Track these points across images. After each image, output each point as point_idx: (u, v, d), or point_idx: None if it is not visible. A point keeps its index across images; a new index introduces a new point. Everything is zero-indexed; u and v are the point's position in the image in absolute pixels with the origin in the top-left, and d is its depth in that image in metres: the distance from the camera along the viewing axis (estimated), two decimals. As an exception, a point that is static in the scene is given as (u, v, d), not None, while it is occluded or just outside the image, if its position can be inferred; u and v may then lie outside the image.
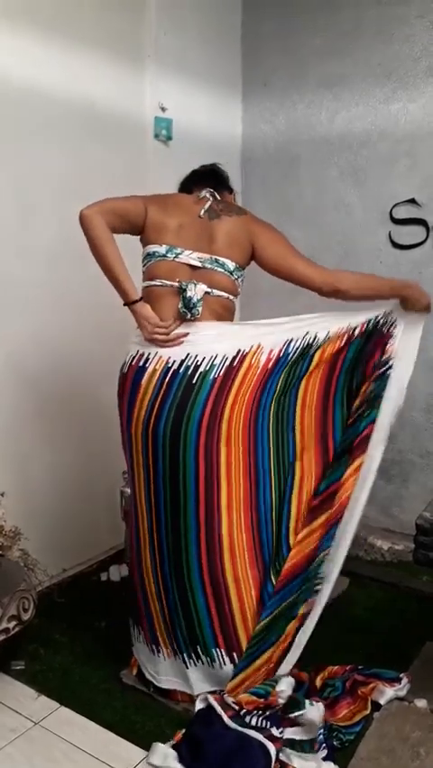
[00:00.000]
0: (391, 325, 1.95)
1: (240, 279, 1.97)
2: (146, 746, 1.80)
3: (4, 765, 1.75)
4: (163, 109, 2.83)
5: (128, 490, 2.35)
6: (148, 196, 1.97)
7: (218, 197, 2.01)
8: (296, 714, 1.84)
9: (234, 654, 1.94)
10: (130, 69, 2.70)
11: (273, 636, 1.92)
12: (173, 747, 1.76)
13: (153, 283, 1.92)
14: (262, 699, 1.87)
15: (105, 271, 1.88)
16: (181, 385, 1.86)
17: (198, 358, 1.87)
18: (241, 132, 3.31)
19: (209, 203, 1.95)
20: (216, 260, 1.91)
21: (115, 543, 2.84)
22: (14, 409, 2.45)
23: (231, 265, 1.92)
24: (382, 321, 1.96)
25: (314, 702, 1.88)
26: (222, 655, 1.94)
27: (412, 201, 2.88)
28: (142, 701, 1.99)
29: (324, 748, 1.76)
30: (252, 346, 1.92)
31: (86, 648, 2.24)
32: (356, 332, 1.97)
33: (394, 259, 2.95)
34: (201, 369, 1.87)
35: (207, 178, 2.08)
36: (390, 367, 1.92)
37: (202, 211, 1.93)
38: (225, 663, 1.94)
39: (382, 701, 1.95)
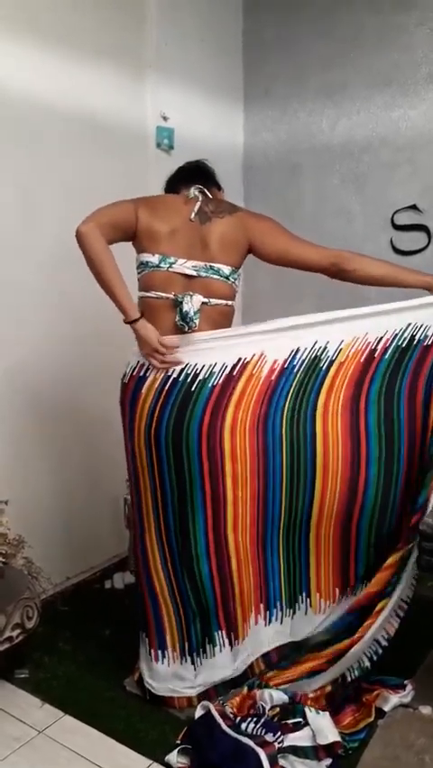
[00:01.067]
0: None
1: (237, 282, 1.94)
2: (150, 754, 1.80)
3: (8, 774, 1.75)
4: (165, 118, 2.84)
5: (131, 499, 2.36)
6: (137, 199, 1.91)
7: (209, 195, 1.95)
8: (294, 721, 1.84)
9: (232, 636, 1.99)
10: (131, 79, 2.72)
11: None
12: (178, 744, 1.81)
13: (149, 295, 1.89)
14: (249, 698, 1.92)
15: (103, 288, 1.84)
16: (180, 392, 1.86)
17: (197, 366, 1.87)
18: (242, 140, 3.33)
19: (199, 204, 1.89)
20: (211, 267, 1.88)
21: (118, 550, 2.84)
22: (17, 418, 2.46)
23: (226, 270, 1.89)
24: (417, 336, 1.90)
25: (320, 711, 1.88)
26: (222, 638, 1.98)
27: (414, 207, 2.89)
28: (146, 709, 1.99)
29: (328, 755, 1.76)
30: (253, 355, 1.89)
31: (90, 656, 2.24)
32: (380, 346, 1.91)
33: (396, 265, 2.95)
34: (200, 377, 1.86)
35: (195, 175, 2.02)
36: None
37: (192, 214, 1.88)
38: (223, 646, 1.99)
39: (386, 708, 1.95)
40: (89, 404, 2.66)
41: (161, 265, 1.87)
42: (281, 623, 2.08)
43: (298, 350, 1.91)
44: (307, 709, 1.87)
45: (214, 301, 1.89)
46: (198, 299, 1.85)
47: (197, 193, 1.93)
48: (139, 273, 1.93)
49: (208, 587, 1.95)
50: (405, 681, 2.02)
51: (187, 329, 1.85)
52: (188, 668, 2.00)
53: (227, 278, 1.90)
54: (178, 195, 1.97)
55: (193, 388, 1.86)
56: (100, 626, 2.42)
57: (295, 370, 1.91)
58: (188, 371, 1.86)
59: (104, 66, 2.58)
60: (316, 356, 1.92)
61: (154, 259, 1.87)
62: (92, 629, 2.40)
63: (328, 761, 1.75)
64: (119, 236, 1.88)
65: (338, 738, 1.79)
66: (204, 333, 1.88)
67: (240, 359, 1.89)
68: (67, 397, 2.61)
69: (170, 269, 1.87)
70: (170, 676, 1.99)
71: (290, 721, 1.85)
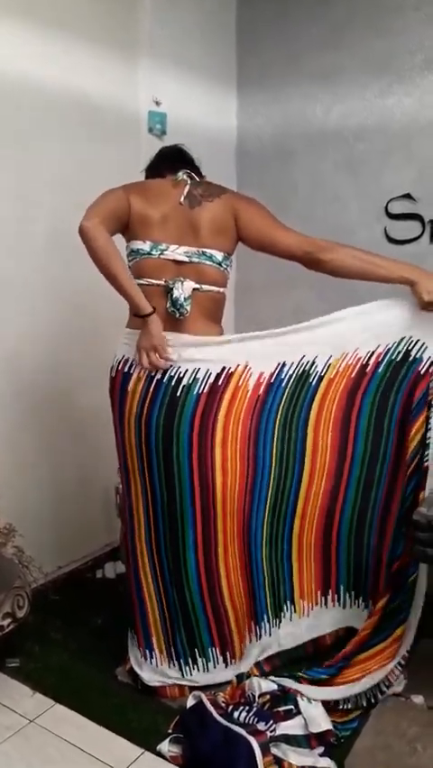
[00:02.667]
0: (429, 364, 1.83)
1: (229, 268, 1.91)
2: (142, 743, 1.79)
3: (-1, 763, 1.74)
4: (157, 103, 2.80)
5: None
6: (126, 186, 1.87)
7: (196, 178, 1.91)
8: (286, 708, 1.85)
9: (228, 654, 1.97)
10: (124, 63, 2.67)
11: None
12: (170, 733, 1.81)
13: (140, 282, 1.86)
14: (240, 688, 1.93)
15: (111, 282, 1.79)
16: (166, 395, 1.84)
17: (180, 369, 1.84)
18: (236, 125, 3.29)
19: (188, 187, 1.85)
20: (204, 253, 1.84)
21: (110, 539, 2.83)
22: (8, 408, 2.44)
23: (219, 256, 1.86)
24: (413, 353, 1.84)
25: (312, 700, 1.88)
26: (217, 654, 1.97)
27: (408, 196, 2.87)
28: (137, 699, 1.98)
29: (321, 744, 1.76)
30: (238, 365, 1.86)
31: (81, 645, 2.23)
32: (372, 361, 1.88)
33: (390, 254, 2.90)
34: (184, 382, 1.83)
35: (179, 159, 1.98)
36: None
37: (182, 197, 1.84)
38: (218, 663, 1.98)
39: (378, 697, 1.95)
40: (80, 394, 2.64)
41: (153, 252, 1.84)
42: (270, 635, 2.08)
43: (284, 363, 1.89)
44: (299, 698, 1.87)
45: (206, 287, 1.86)
46: (190, 285, 1.82)
47: (185, 176, 1.89)
48: (130, 261, 1.89)
49: (198, 602, 1.94)
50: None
51: (178, 315, 1.83)
52: (176, 672, 1.99)
53: (220, 264, 1.87)
54: (165, 179, 1.92)
55: (179, 394, 1.84)
56: (92, 616, 2.41)
57: (283, 385, 1.89)
58: (172, 374, 1.84)
59: (95, 50, 2.54)
60: (304, 371, 1.90)
61: (146, 246, 1.84)
62: (83, 618, 2.39)
63: (321, 749, 1.76)
64: (118, 227, 1.84)
65: (331, 727, 1.80)
66: (192, 337, 1.85)
67: (224, 368, 1.86)
68: (57, 388, 2.59)
69: (161, 256, 1.84)
70: (159, 671, 1.99)
71: (281, 709, 1.86)
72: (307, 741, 1.77)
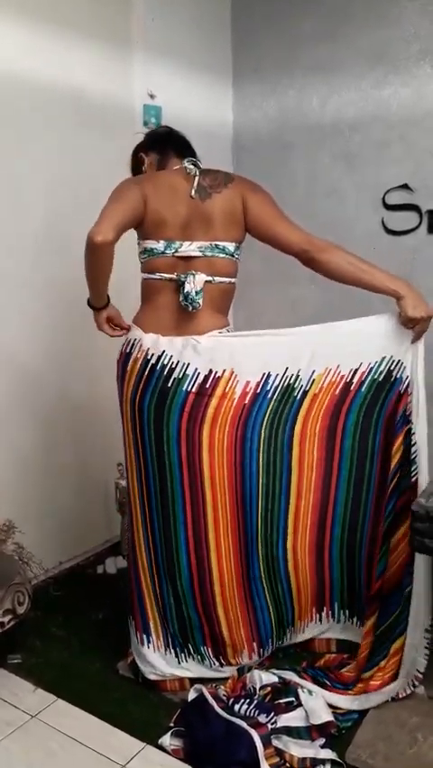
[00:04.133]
0: (407, 384, 1.84)
1: (240, 257, 1.91)
2: (143, 737, 1.80)
3: (1, 758, 1.74)
4: (152, 96, 2.79)
5: (123, 483, 2.35)
6: (140, 181, 1.85)
7: (201, 166, 1.89)
8: (287, 700, 1.85)
9: (222, 659, 1.99)
10: (118, 56, 2.66)
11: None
12: (171, 726, 1.82)
13: (153, 276, 1.87)
14: (241, 681, 1.95)
15: (90, 283, 1.84)
16: (159, 383, 1.85)
17: (172, 360, 1.85)
18: (232, 118, 3.28)
19: (197, 178, 1.83)
20: (216, 246, 1.84)
21: (110, 535, 2.83)
22: (8, 403, 2.44)
23: (231, 247, 1.86)
24: (394, 373, 1.85)
25: (313, 692, 1.88)
26: (210, 654, 2.00)
27: (405, 186, 2.86)
28: (139, 693, 1.99)
29: (322, 735, 1.76)
30: (224, 371, 1.86)
31: (82, 641, 2.24)
32: (355, 379, 1.89)
33: (388, 245, 2.93)
34: (174, 375, 1.85)
35: (170, 141, 1.97)
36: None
37: (193, 191, 1.82)
38: (213, 664, 2.00)
39: (379, 688, 1.96)
40: (79, 390, 2.64)
41: (167, 251, 1.84)
42: (272, 653, 2.10)
43: (269, 375, 1.89)
44: (300, 691, 1.87)
45: (218, 279, 1.87)
46: (201, 278, 1.82)
47: (191, 167, 1.87)
48: (143, 259, 1.90)
49: (190, 602, 1.95)
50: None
51: (191, 308, 1.83)
52: (173, 659, 2.00)
53: (232, 254, 1.88)
54: (175, 170, 1.90)
55: (170, 385, 1.85)
56: (93, 611, 2.41)
57: (269, 397, 1.90)
58: (165, 362, 1.85)
59: (89, 42, 2.52)
60: (289, 384, 1.90)
61: (160, 246, 1.84)
62: (85, 614, 2.40)
63: (322, 740, 1.76)
64: (131, 227, 1.83)
65: (332, 718, 1.80)
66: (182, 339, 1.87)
67: (211, 371, 1.86)
68: (57, 383, 2.59)
69: (175, 254, 1.84)
70: (158, 661, 1.99)
71: (282, 701, 1.86)
72: (308, 733, 1.77)
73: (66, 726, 1.85)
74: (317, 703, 1.84)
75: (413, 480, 1.86)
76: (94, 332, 1.98)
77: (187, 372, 1.85)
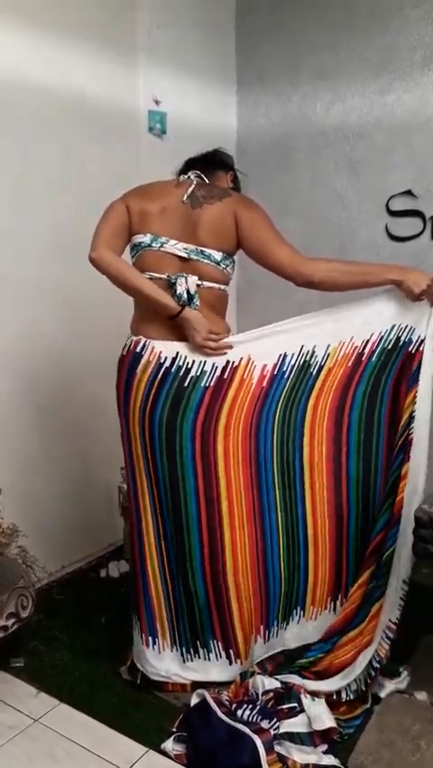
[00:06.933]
0: (419, 343, 1.87)
1: (229, 268, 1.90)
2: (146, 742, 1.80)
3: (3, 762, 1.74)
4: (157, 102, 2.81)
5: (126, 486, 2.35)
6: (126, 193, 1.91)
7: (205, 180, 1.92)
8: (289, 706, 1.85)
9: (231, 652, 1.98)
10: (123, 63, 2.68)
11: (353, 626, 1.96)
12: (174, 731, 1.82)
13: (146, 276, 1.87)
14: (243, 686, 1.93)
15: (136, 296, 1.88)
16: (174, 386, 1.85)
17: (188, 360, 1.85)
18: (236, 125, 3.29)
19: (192, 187, 1.86)
20: (202, 252, 1.84)
21: (113, 539, 2.83)
22: (11, 406, 2.44)
23: (218, 256, 1.86)
24: (403, 338, 1.89)
25: (316, 698, 1.88)
26: (219, 649, 1.98)
27: (409, 193, 2.87)
28: (141, 697, 1.99)
29: (324, 741, 1.76)
30: (241, 359, 1.87)
31: (85, 645, 2.24)
32: (366, 350, 1.91)
33: (392, 251, 2.93)
34: (192, 373, 1.85)
35: (197, 161, 2.01)
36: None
37: (185, 196, 1.84)
38: (220, 656, 1.98)
39: (382, 694, 1.96)
40: (84, 392, 2.64)
41: (153, 245, 1.85)
42: (277, 636, 2.08)
43: (285, 354, 1.90)
44: (303, 696, 1.87)
45: (207, 284, 1.86)
46: (194, 280, 1.83)
47: (192, 177, 1.90)
48: (133, 256, 1.91)
49: (202, 597, 1.95)
50: (400, 668, 2.03)
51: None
52: (178, 658, 2.00)
53: (218, 263, 1.87)
54: (168, 180, 1.94)
55: (186, 384, 1.85)
56: (96, 615, 2.41)
57: (286, 376, 1.91)
58: (180, 363, 1.86)
59: (95, 49, 2.54)
60: (305, 361, 1.91)
61: (146, 238, 1.86)
62: (88, 618, 2.40)
63: (324, 746, 1.76)
64: (126, 239, 1.89)
65: (334, 724, 1.80)
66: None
67: (229, 362, 1.87)
68: (61, 386, 2.60)
69: (161, 249, 1.85)
70: (162, 662, 2.00)
71: (285, 706, 1.86)
72: (310, 738, 1.77)
73: (68, 731, 1.85)
74: (320, 709, 1.84)
75: (409, 437, 1.89)
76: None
77: (205, 369, 1.86)
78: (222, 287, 1.91)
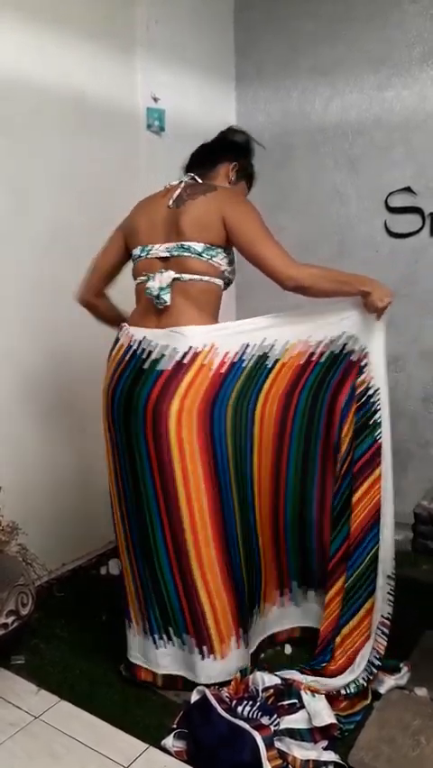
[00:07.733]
0: (361, 353, 1.95)
1: (217, 258, 1.88)
2: (146, 739, 1.80)
3: (3, 760, 1.75)
4: (155, 99, 2.80)
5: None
6: (126, 217, 2.03)
7: (198, 180, 1.95)
8: (289, 702, 1.85)
9: (205, 648, 1.94)
10: (121, 59, 2.67)
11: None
12: (175, 728, 1.83)
13: (136, 281, 1.99)
14: (243, 683, 1.94)
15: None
16: (135, 367, 1.89)
17: (152, 344, 1.88)
18: (235, 121, 3.28)
19: (179, 191, 1.90)
20: (182, 246, 1.86)
21: (113, 536, 2.82)
22: (11, 404, 2.44)
23: (198, 247, 1.86)
24: (348, 346, 1.96)
25: (316, 695, 1.88)
26: (192, 643, 1.95)
27: (408, 189, 2.86)
28: (142, 694, 1.99)
29: (324, 737, 1.76)
30: (204, 345, 1.86)
31: (85, 642, 2.24)
32: (318, 350, 1.97)
33: (391, 248, 2.94)
34: (153, 356, 1.87)
35: (198, 157, 2.05)
36: (373, 394, 1.96)
37: (171, 201, 1.90)
38: (193, 651, 1.95)
39: (382, 690, 1.96)
40: (84, 389, 2.64)
41: (142, 254, 1.94)
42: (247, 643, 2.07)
43: (248, 345, 1.91)
44: (303, 692, 1.87)
45: (187, 276, 1.87)
46: (169, 275, 1.86)
47: (184, 180, 1.96)
48: (132, 269, 2.01)
49: (172, 589, 1.93)
50: (400, 664, 2.03)
51: (156, 303, 1.88)
52: (150, 646, 1.99)
53: (200, 254, 1.86)
54: (160, 190, 1.99)
55: (145, 366, 1.87)
56: (96, 612, 2.42)
57: (244, 365, 1.91)
58: (145, 346, 1.89)
59: (92, 45, 2.53)
60: (264, 353, 1.93)
61: (137, 251, 1.96)
62: (88, 615, 2.40)
63: (325, 743, 1.76)
64: (120, 263, 2.08)
65: (334, 720, 1.80)
66: (163, 331, 1.88)
67: (191, 347, 1.85)
68: (62, 385, 2.60)
69: (148, 256, 1.92)
70: (138, 647, 2.02)
71: (285, 702, 1.86)
72: (310, 735, 1.77)
73: (69, 728, 1.85)
74: (320, 705, 1.84)
75: (378, 442, 1.95)
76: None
77: (164, 353, 1.85)
78: (207, 278, 1.89)
